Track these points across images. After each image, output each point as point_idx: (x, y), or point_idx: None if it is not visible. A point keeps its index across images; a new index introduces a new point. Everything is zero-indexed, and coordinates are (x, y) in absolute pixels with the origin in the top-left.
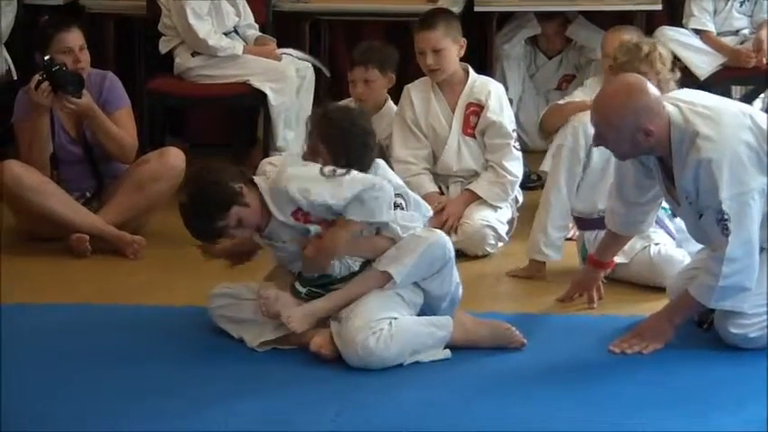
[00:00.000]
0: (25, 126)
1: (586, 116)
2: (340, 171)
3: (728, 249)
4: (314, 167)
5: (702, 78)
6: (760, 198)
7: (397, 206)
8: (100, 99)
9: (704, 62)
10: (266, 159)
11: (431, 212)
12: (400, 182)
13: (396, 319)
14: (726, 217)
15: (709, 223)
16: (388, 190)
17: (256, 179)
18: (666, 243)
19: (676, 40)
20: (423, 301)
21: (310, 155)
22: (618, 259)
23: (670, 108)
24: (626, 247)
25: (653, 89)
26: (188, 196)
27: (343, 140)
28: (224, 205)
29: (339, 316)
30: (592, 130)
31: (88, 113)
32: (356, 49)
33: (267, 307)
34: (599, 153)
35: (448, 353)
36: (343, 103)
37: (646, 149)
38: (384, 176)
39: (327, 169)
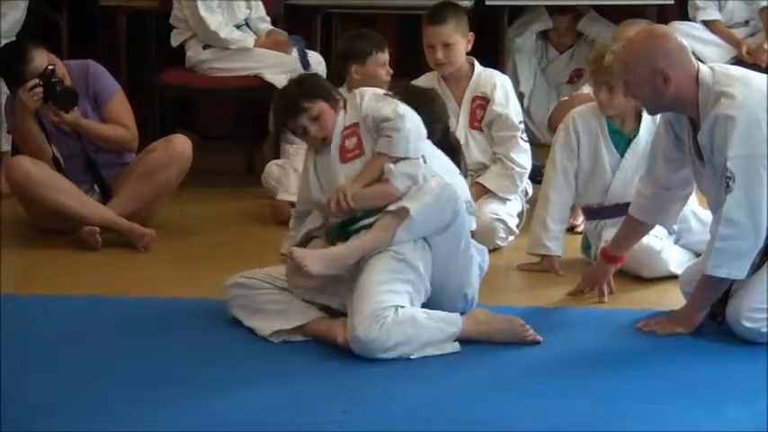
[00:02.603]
0: (18, 129)
1: (577, 111)
2: (396, 99)
3: (726, 207)
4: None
5: None
6: None
7: None
8: (88, 91)
9: (717, 54)
10: None
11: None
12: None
13: (402, 307)
14: (729, 175)
15: (720, 184)
16: (418, 128)
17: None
18: (654, 235)
19: (689, 33)
20: (429, 286)
21: None
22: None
23: (704, 68)
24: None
25: (677, 39)
26: (299, 75)
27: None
28: (318, 93)
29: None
30: (581, 124)
31: (74, 127)
32: (370, 38)
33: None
34: (588, 147)
35: (457, 346)
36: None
37: (669, 100)
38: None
39: (390, 94)
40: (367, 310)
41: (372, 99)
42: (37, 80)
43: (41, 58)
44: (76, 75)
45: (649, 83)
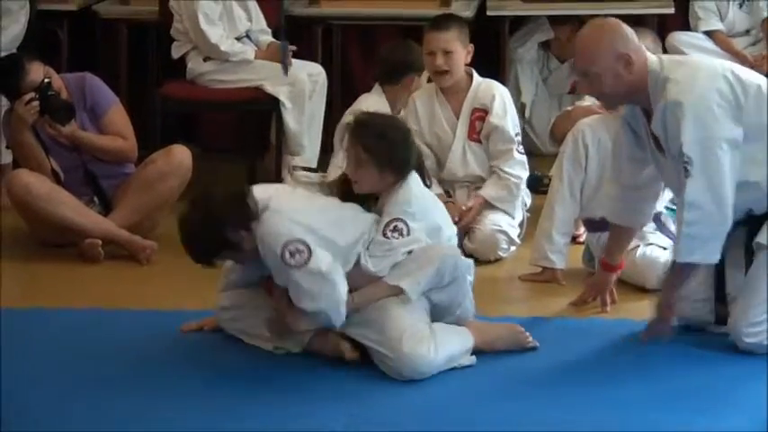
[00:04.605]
0: (15, 143)
1: (586, 123)
2: (300, 256)
3: (687, 192)
4: (284, 236)
5: None
6: (730, 149)
7: (395, 230)
8: (86, 104)
9: None
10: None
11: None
12: (422, 205)
13: (430, 325)
14: (686, 160)
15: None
16: (331, 291)
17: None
18: (657, 245)
19: (690, 43)
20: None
21: (355, 164)
22: None
23: (652, 57)
24: None
25: (627, 28)
26: (188, 229)
27: (386, 148)
28: (215, 251)
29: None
30: (591, 137)
31: (71, 140)
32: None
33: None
34: (596, 161)
35: (473, 359)
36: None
37: (627, 88)
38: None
39: (291, 249)
40: (404, 332)
41: (270, 256)
42: (33, 93)
43: (37, 72)
44: (73, 87)
45: (612, 70)
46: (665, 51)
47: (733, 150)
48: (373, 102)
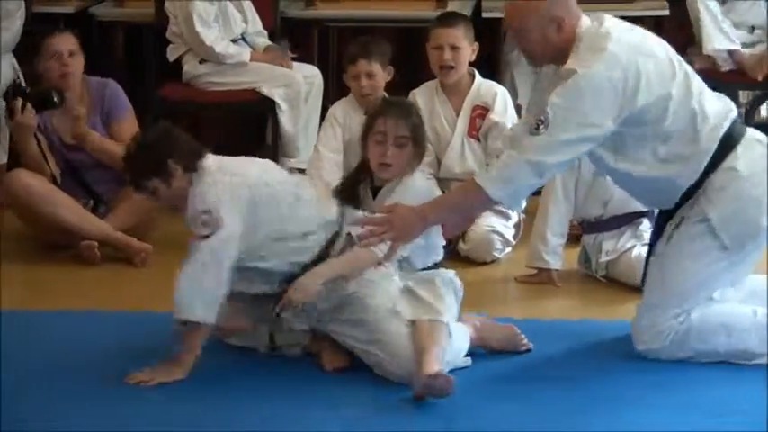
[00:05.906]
0: (18, 149)
1: None
2: (213, 217)
3: (529, 143)
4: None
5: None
6: (587, 135)
7: None
8: (103, 108)
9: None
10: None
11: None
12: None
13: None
14: (542, 119)
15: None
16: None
17: (200, 174)
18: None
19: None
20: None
21: (396, 145)
22: (607, 257)
23: (585, 21)
24: (617, 245)
25: None
26: (138, 141)
27: (423, 128)
28: (147, 173)
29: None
30: None
31: (79, 138)
32: (352, 45)
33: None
34: (587, 164)
35: (469, 360)
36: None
37: (553, 51)
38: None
39: (205, 218)
40: (400, 334)
41: (196, 204)
42: (21, 101)
43: (66, 40)
44: (94, 90)
45: (542, 31)
46: None
47: (588, 136)
48: (342, 106)
